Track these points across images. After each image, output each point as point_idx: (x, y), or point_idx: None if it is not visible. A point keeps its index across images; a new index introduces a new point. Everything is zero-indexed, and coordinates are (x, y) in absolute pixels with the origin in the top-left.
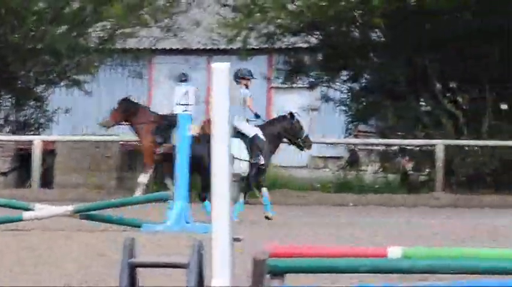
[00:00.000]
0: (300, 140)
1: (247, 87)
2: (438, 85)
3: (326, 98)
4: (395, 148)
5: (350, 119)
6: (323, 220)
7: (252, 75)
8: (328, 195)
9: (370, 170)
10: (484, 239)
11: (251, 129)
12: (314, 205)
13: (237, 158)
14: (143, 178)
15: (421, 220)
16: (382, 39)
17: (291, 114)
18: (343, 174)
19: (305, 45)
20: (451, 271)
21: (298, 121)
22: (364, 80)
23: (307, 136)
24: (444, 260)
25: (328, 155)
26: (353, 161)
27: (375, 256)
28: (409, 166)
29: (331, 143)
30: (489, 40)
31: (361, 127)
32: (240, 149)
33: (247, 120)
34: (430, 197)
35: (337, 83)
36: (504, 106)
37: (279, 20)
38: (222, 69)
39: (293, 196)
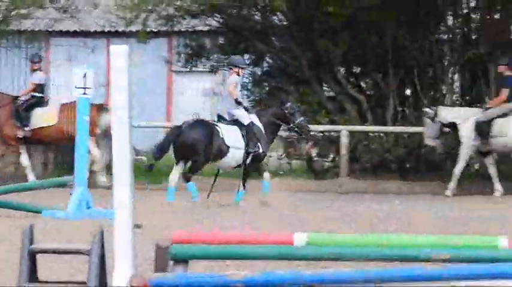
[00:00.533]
0: (293, 126)
1: (238, 75)
2: (341, 70)
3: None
4: None
5: (252, 104)
6: (228, 206)
7: (245, 64)
8: (232, 181)
9: (274, 156)
10: (389, 226)
11: (246, 117)
12: (218, 191)
13: (233, 147)
14: (24, 161)
15: (326, 206)
16: (284, 22)
17: (282, 101)
18: None
19: (206, 28)
20: (358, 258)
21: (289, 107)
22: (266, 64)
23: (300, 122)
24: (350, 247)
25: None
26: None
27: (281, 242)
28: (314, 151)
29: None
30: (392, 25)
31: None
32: (236, 138)
33: (246, 109)
34: (335, 183)
35: None
36: (408, 92)
37: (178, 2)
38: (120, 52)
39: (197, 182)
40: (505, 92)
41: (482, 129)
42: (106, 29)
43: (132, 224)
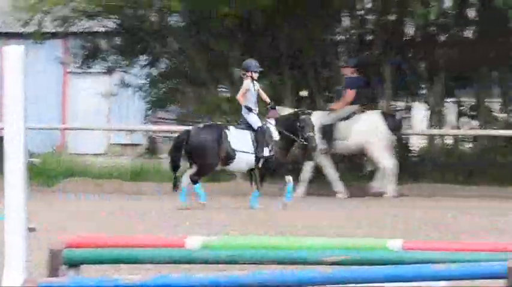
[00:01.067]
0: (301, 139)
1: (252, 79)
2: (237, 71)
3: (124, 84)
4: None
5: (149, 106)
6: (122, 209)
7: (257, 68)
8: (125, 183)
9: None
10: (282, 228)
11: (257, 122)
12: (112, 193)
13: (240, 150)
14: None
15: (221, 207)
16: (181, 23)
17: (297, 113)
18: (140, 162)
19: (102, 29)
20: (252, 261)
21: (303, 120)
22: (163, 66)
23: (309, 136)
24: (245, 250)
25: (127, 143)
26: (152, 148)
27: (174, 246)
28: None
29: (130, 130)
30: (287, 26)
31: (161, 114)
32: (245, 142)
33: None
34: (230, 186)
35: (136, 69)
36: (304, 93)
37: (74, 3)
38: (15, 52)
39: (91, 184)
40: (350, 94)
41: (327, 133)
42: (2, 30)
43: (25, 228)
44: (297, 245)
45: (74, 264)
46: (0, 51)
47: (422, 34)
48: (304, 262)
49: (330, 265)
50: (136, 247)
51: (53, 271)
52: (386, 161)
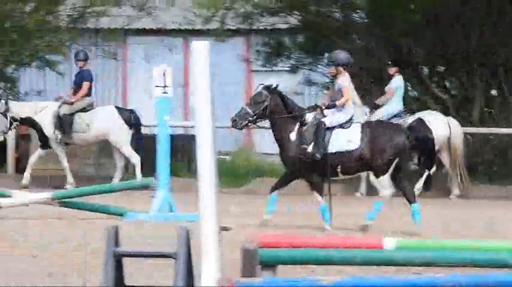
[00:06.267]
0: None
1: (334, 77)
2: (425, 69)
3: (309, 82)
4: None
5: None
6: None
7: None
8: None
9: None
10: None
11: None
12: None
13: None
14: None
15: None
16: (365, 20)
17: None
18: None
19: (285, 26)
20: (451, 263)
21: None
22: None
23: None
24: (442, 252)
25: None
26: None
27: (371, 247)
28: None
29: None
30: (476, 23)
31: None
32: None
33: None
34: None
35: (320, 66)
36: (494, 92)
37: (256, 0)
38: (201, 47)
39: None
40: (86, 85)
41: (64, 123)
42: (183, 27)
43: (218, 227)
44: (495, 247)
45: (269, 264)
46: (184, 48)
47: None
48: (505, 265)
49: None
50: (330, 247)
51: (248, 271)
52: (133, 155)
